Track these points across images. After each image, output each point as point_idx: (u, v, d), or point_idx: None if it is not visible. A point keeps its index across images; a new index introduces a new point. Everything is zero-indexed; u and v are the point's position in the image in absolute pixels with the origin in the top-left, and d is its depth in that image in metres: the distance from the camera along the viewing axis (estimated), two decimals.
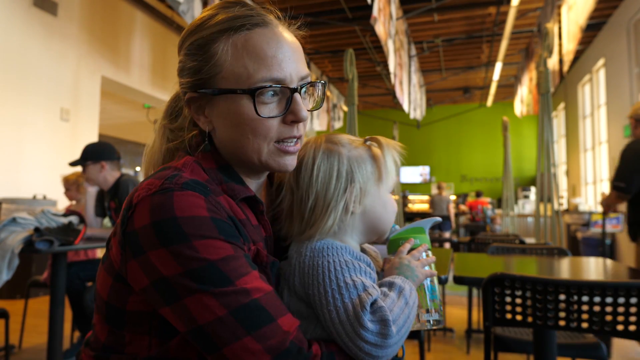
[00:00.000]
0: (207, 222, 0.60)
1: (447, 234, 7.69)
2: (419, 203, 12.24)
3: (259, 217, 0.72)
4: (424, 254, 0.75)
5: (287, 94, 0.68)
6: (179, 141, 0.77)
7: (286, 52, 0.67)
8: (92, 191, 3.15)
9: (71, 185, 3.30)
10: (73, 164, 2.73)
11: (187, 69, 0.70)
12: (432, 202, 8.50)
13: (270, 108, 0.67)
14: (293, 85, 0.68)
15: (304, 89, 0.71)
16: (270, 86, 0.66)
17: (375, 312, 0.61)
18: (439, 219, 0.80)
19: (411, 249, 0.76)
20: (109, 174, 2.70)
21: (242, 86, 0.66)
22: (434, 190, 13.11)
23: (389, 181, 0.76)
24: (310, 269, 0.66)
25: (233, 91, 0.66)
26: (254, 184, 0.76)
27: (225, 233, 0.61)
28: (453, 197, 11.75)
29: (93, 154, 2.67)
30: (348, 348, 0.62)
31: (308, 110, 0.72)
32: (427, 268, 0.74)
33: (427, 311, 0.72)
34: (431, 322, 0.72)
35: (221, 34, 0.67)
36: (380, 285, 0.67)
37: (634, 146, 2.75)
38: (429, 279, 0.74)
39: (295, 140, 0.70)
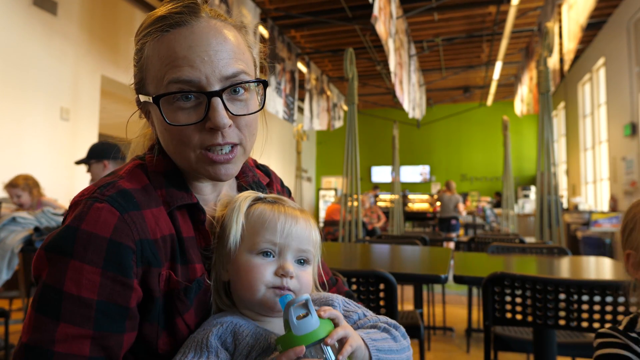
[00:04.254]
0: (101, 246, 0.56)
1: (453, 234, 7.67)
2: (419, 202, 12.25)
3: (199, 227, 0.66)
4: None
5: (204, 98, 0.61)
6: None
7: (203, 50, 0.60)
8: None
9: (22, 191, 3.01)
10: (79, 162, 2.79)
11: (133, 73, 0.67)
12: (441, 202, 8.48)
13: (187, 114, 0.61)
14: (212, 88, 0.60)
15: (235, 91, 0.63)
16: (177, 92, 0.60)
17: None
18: (305, 296, 0.56)
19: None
20: None
21: (156, 92, 0.62)
22: (434, 190, 13.12)
23: (249, 240, 0.63)
24: None
25: (151, 98, 0.62)
26: (209, 187, 0.70)
27: (112, 265, 0.56)
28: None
29: (96, 153, 2.71)
30: None
31: (240, 115, 0.63)
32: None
33: None
34: None
35: (146, 37, 0.63)
36: None
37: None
38: None
39: (221, 148, 0.62)
